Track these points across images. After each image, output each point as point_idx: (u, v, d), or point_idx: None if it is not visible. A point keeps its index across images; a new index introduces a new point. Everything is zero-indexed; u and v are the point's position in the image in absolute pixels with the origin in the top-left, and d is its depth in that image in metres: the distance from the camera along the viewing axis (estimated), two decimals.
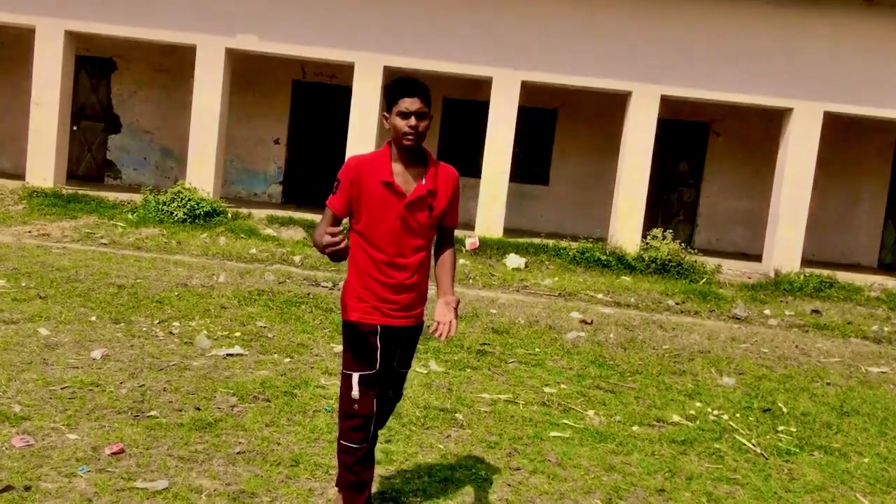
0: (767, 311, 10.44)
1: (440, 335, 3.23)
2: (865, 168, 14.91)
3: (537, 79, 12.64)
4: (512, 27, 12.55)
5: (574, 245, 12.18)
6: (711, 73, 12.47)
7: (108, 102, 15.17)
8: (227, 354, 5.90)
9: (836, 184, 14.56)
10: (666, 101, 12.71)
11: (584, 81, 12.63)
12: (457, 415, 5.12)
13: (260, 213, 12.59)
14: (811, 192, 12.58)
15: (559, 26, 12.54)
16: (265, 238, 11.51)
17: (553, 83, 12.80)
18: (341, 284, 3.54)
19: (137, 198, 12.50)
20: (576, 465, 4.49)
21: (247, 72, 14.41)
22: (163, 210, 11.83)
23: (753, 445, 5.14)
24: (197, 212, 11.84)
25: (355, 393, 3.37)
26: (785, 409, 6.00)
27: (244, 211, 12.59)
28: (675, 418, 5.53)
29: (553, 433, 4.97)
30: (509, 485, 4.15)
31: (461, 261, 11.23)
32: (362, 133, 12.63)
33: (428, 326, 3.42)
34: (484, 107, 13.00)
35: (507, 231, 12.92)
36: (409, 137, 3.26)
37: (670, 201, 15.05)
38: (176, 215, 11.74)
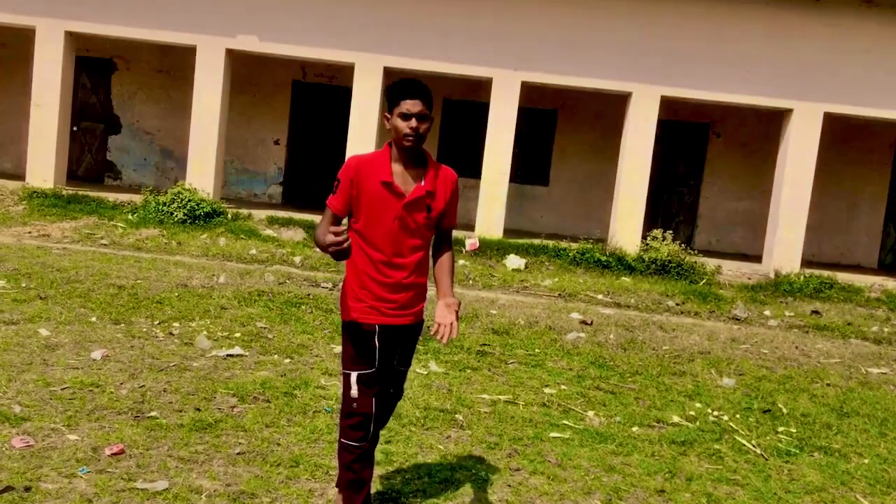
0: (767, 312, 10.45)
1: (441, 337, 3.24)
2: (865, 169, 14.91)
3: (537, 80, 12.65)
4: (512, 28, 12.55)
5: (574, 246, 12.19)
6: (711, 73, 12.48)
7: (108, 103, 15.17)
8: (228, 355, 5.90)
9: (835, 184, 14.56)
10: (666, 102, 12.71)
11: (584, 82, 12.63)
12: (457, 415, 5.12)
13: (260, 214, 12.60)
14: (811, 192, 12.58)
15: (559, 27, 12.55)
16: (265, 239, 11.51)
17: (553, 84, 12.81)
18: (341, 285, 3.55)
19: (137, 198, 12.50)
20: (576, 466, 4.49)
21: (247, 72, 14.42)
22: (163, 211, 11.83)
23: (753, 446, 5.14)
24: (197, 212, 11.84)
25: (354, 392, 3.39)
26: (785, 410, 6.00)
27: (244, 212, 12.59)
28: (675, 419, 5.53)
29: (553, 434, 4.98)
30: (509, 485, 4.15)
31: (461, 261, 11.24)
32: (362, 134, 12.63)
33: (429, 328, 3.43)
34: (484, 107, 13.00)
35: (507, 232, 12.92)
36: (410, 139, 3.28)
37: (670, 202, 15.05)
38: (176, 216, 11.74)
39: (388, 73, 12.59)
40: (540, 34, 12.54)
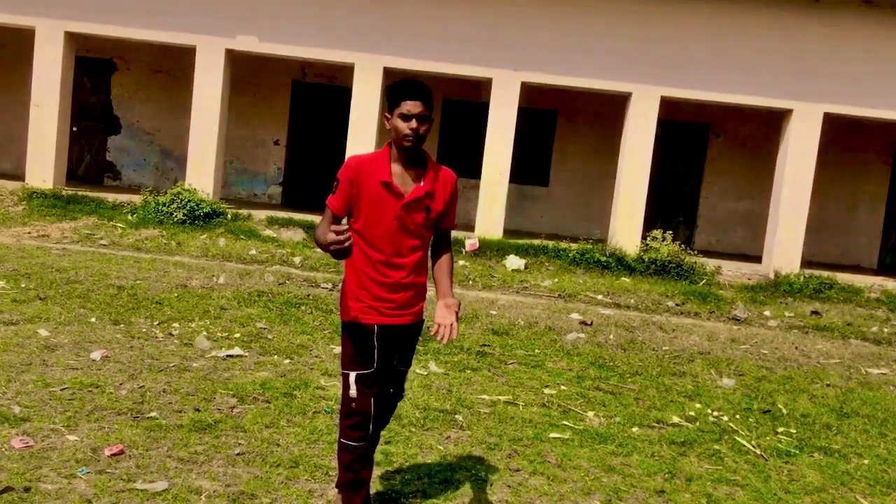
0: (767, 313, 10.44)
1: (441, 338, 3.24)
2: (865, 169, 14.92)
3: (537, 80, 12.65)
4: (512, 28, 12.55)
5: (574, 246, 12.18)
6: (711, 74, 12.48)
7: (108, 103, 15.17)
8: (227, 356, 5.90)
9: (835, 185, 14.56)
10: (666, 103, 12.71)
11: (583, 82, 12.63)
12: (457, 416, 5.12)
13: (260, 215, 12.60)
14: (811, 193, 12.59)
15: (559, 27, 12.55)
16: (265, 239, 11.51)
17: (553, 84, 12.81)
18: (340, 286, 3.55)
19: (137, 199, 12.50)
20: (575, 467, 4.49)
21: (247, 73, 14.42)
22: (162, 211, 11.83)
23: (753, 447, 5.14)
24: (196, 213, 11.84)
25: (353, 392, 3.40)
26: (785, 411, 6.00)
27: (244, 212, 12.59)
28: (675, 419, 5.53)
29: (553, 434, 4.97)
30: (509, 486, 4.14)
31: (461, 262, 11.23)
32: (362, 134, 12.63)
33: (428, 328, 3.43)
34: (484, 108, 13.00)
35: (507, 232, 12.92)
36: (410, 139, 3.29)
37: (670, 202, 15.05)
38: (175, 216, 11.74)
39: (388, 73, 12.59)
40: (540, 34, 12.54)
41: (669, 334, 8.39)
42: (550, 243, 12.30)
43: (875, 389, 6.97)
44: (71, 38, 12.87)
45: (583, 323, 8.41)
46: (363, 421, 3.41)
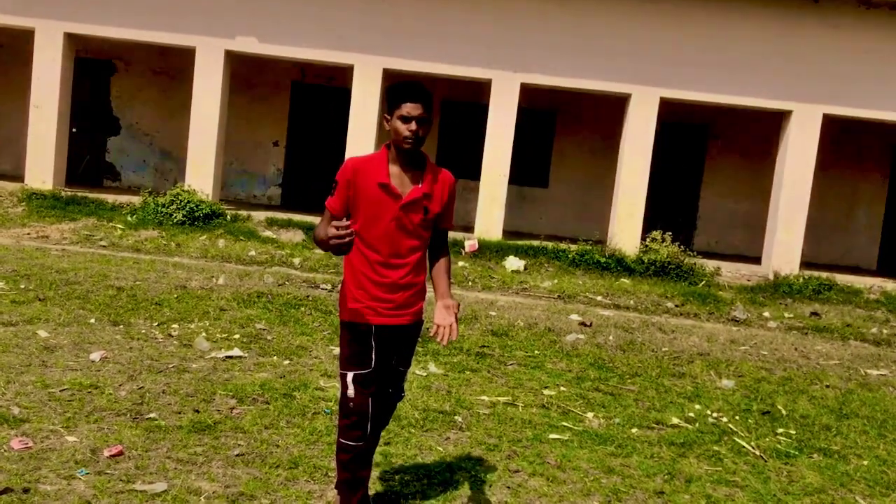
0: (767, 314, 10.45)
1: (441, 339, 3.24)
2: (864, 170, 14.93)
3: (536, 81, 12.65)
4: (511, 30, 12.56)
5: (573, 247, 12.19)
6: (710, 75, 12.49)
7: (108, 105, 15.17)
8: (227, 357, 5.90)
9: (835, 186, 14.57)
10: (665, 104, 12.71)
11: (583, 84, 12.64)
12: (456, 417, 5.12)
13: (259, 216, 12.59)
14: (810, 194, 12.59)
15: (558, 29, 12.55)
16: (264, 240, 11.51)
17: (552, 86, 12.81)
18: (340, 286, 3.55)
19: (136, 200, 12.50)
20: (575, 468, 4.49)
21: (246, 74, 14.42)
22: (162, 212, 11.83)
23: (753, 448, 5.14)
24: (196, 214, 11.84)
25: (351, 392, 3.41)
26: (784, 412, 6.00)
27: (243, 213, 12.59)
28: (675, 421, 5.53)
29: (552, 435, 4.97)
30: (508, 487, 4.14)
31: (461, 263, 11.23)
32: (361, 135, 12.63)
33: (428, 329, 3.43)
34: (483, 109, 13.01)
35: (507, 233, 12.92)
36: (409, 141, 3.30)
37: (670, 204, 15.04)
38: (175, 217, 11.73)
39: (388, 74, 12.59)
40: (539, 36, 12.55)
41: (669, 335, 8.39)
42: (550, 244, 12.31)
43: (874, 390, 6.97)
44: (70, 39, 12.87)
45: (582, 324, 8.41)
46: (361, 421, 3.41)
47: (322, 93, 15.00)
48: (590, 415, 5.46)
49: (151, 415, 4.58)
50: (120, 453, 3.99)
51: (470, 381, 5.98)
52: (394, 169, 3.38)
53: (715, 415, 5.75)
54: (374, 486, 3.91)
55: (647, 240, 12.33)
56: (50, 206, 11.95)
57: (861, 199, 15.02)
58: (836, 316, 10.58)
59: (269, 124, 15.09)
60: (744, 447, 5.14)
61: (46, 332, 6.03)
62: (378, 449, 4.10)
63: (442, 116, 14.55)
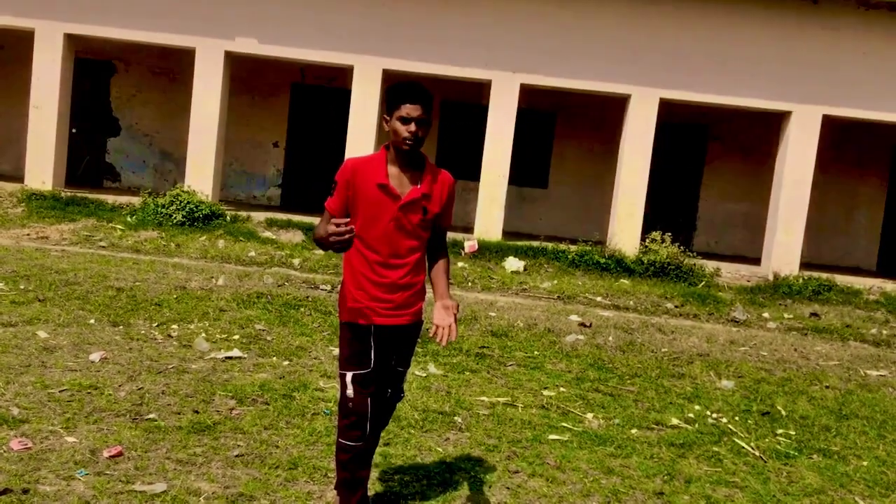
0: (766, 315, 10.45)
1: (440, 339, 3.25)
2: (864, 171, 14.93)
3: (536, 82, 12.66)
4: (511, 31, 12.56)
5: (573, 248, 12.19)
6: (710, 76, 12.49)
7: (107, 105, 15.17)
8: (226, 357, 5.90)
9: (834, 186, 14.58)
10: (665, 105, 12.72)
11: (582, 85, 12.64)
12: (455, 418, 5.12)
13: (259, 216, 12.60)
14: (810, 195, 12.60)
15: (558, 29, 12.56)
16: (264, 241, 11.51)
17: (552, 86, 12.81)
18: (339, 287, 3.56)
19: (136, 201, 12.50)
20: (574, 469, 4.49)
21: (246, 75, 14.43)
22: (161, 213, 11.83)
23: (752, 448, 5.14)
24: (196, 215, 11.84)
25: (350, 392, 3.41)
26: (784, 413, 6.00)
27: (243, 214, 12.60)
28: (674, 421, 5.53)
29: (552, 436, 4.97)
30: (508, 488, 4.14)
31: (460, 264, 11.24)
32: (361, 136, 12.63)
33: (427, 330, 3.43)
34: (483, 110, 13.01)
35: (506, 234, 12.92)
36: (409, 142, 3.31)
37: (669, 204, 15.05)
38: (175, 218, 11.74)
39: (387, 75, 12.60)
40: (539, 36, 12.55)
41: (668, 336, 8.39)
42: (549, 245, 12.31)
43: (874, 391, 6.97)
44: (70, 39, 12.87)
45: (582, 325, 8.41)
46: (360, 421, 3.42)
47: (322, 94, 15.00)
48: (589, 415, 5.46)
49: (151, 415, 4.58)
50: (119, 454, 3.99)
51: (469, 381, 5.98)
52: (393, 170, 3.38)
53: (714, 415, 5.75)
54: (373, 487, 3.91)
55: (647, 240, 12.33)
56: (50, 207, 11.95)
57: (860, 199, 15.02)
58: (836, 317, 10.58)
59: (269, 125, 15.10)
60: (743, 448, 5.14)
61: (46, 332, 6.03)
62: (377, 449, 4.09)
63: (442, 117, 14.55)
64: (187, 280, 8.49)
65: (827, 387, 6.93)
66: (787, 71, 12.47)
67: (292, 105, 15.07)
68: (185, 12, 12.63)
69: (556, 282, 10.97)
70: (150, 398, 4.87)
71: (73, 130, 14.34)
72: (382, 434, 4.09)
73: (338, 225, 3.10)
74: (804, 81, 12.47)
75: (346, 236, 3.10)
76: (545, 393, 5.88)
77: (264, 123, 15.07)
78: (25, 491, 3.53)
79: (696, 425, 5.49)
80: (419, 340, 3.78)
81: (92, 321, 6.50)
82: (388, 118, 3.35)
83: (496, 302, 9.31)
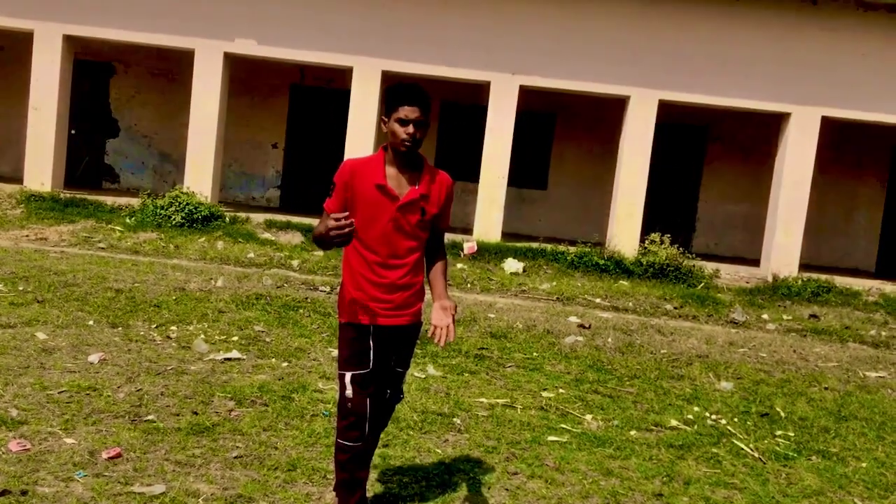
0: (765, 316, 10.45)
1: (438, 340, 3.25)
2: (863, 172, 14.94)
3: (535, 83, 12.66)
4: (510, 32, 12.57)
5: (572, 249, 12.19)
6: (709, 77, 12.50)
7: (107, 107, 15.17)
8: (225, 359, 5.90)
9: (833, 188, 14.57)
10: (664, 106, 12.73)
11: (582, 86, 12.65)
12: (455, 419, 5.12)
13: (258, 218, 12.59)
14: (809, 196, 12.60)
15: (557, 31, 12.56)
16: (263, 242, 11.51)
17: (551, 88, 12.81)
18: (338, 288, 3.57)
19: (135, 202, 12.50)
20: (573, 470, 4.49)
21: (245, 76, 14.42)
22: (161, 214, 11.83)
23: (751, 450, 5.14)
24: (195, 216, 11.84)
25: (349, 392, 3.42)
26: (783, 414, 6.00)
27: (242, 215, 12.60)
28: (673, 423, 5.53)
29: (551, 438, 4.97)
30: (507, 489, 4.14)
31: (459, 265, 11.24)
32: (360, 137, 12.63)
33: (426, 331, 3.43)
34: (482, 111, 13.01)
35: (506, 235, 12.92)
36: (407, 144, 3.31)
37: (668, 206, 15.05)
38: (174, 219, 11.73)
39: (387, 76, 12.60)
40: (538, 38, 12.56)
41: (667, 337, 8.39)
42: (549, 246, 12.31)
43: (873, 393, 6.97)
44: (69, 41, 12.87)
45: (581, 326, 8.41)
46: (359, 421, 3.42)
47: (321, 95, 15.00)
48: (588, 417, 5.46)
49: (150, 417, 4.58)
50: (118, 455, 3.99)
51: (468, 383, 5.98)
52: (391, 171, 3.39)
53: (714, 417, 5.75)
54: (372, 488, 3.91)
55: (646, 242, 12.33)
56: (49, 208, 11.95)
57: (860, 201, 15.02)
58: (835, 318, 10.58)
59: (268, 126, 15.09)
60: (742, 449, 5.15)
61: (45, 334, 6.02)
62: (376, 451, 4.09)
63: (441, 118, 14.55)
64: (186, 281, 8.49)
65: (826, 388, 6.93)
66: (785, 72, 12.48)
67: (291, 106, 15.07)
68: (185, 13, 12.63)
69: (555, 283, 10.97)
70: (149, 399, 4.87)
71: (73, 132, 14.34)
72: (381, 435, 4.09)
73: (337, 219, 3.10)
74: (803, 83, 12.48)
75: (347, 230, 3.11)
76: (544, 394, 5.88)
77: (263, 124, 15.07)
78: (24, 493, 3.52)
79: (695, 427, 5.49)
80: (418, 341, 3.78)
81: (91, 322, 6.50)
82: (386, 120, 3.35)
83: (495, 303, 9.31)
